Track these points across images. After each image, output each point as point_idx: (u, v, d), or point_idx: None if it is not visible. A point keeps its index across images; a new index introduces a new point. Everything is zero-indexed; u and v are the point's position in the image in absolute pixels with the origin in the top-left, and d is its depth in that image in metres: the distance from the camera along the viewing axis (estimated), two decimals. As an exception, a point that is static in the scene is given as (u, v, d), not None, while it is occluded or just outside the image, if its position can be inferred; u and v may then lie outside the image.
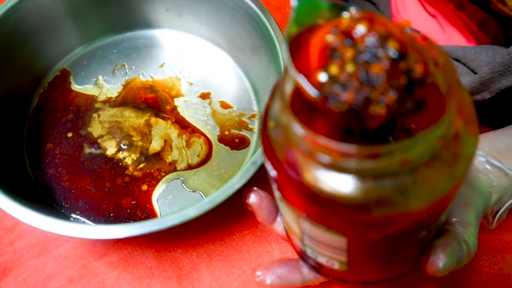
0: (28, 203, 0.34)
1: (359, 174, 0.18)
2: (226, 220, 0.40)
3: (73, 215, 0.40)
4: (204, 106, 0.45)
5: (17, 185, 0.39)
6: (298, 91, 0.22)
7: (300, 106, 0.21)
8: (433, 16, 0.42)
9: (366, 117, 0.18)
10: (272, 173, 0.22)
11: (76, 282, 0.38)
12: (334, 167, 0.18)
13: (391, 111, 0.18)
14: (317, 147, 0.18)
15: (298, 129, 0.18)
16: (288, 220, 0.25)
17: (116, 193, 0.41)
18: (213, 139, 0.43)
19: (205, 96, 0.46)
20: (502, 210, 0.31)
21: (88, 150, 0.43)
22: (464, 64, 0.35)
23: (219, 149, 0.43)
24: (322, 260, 0.25)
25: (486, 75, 0.31)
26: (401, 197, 0.18)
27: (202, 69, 0.47)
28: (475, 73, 0.35)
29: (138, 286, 0.38)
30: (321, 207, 0.19)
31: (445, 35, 0.40)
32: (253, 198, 0.29)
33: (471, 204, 0.28)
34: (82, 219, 0.40)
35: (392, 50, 0.18)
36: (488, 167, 0.30)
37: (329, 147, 0.18)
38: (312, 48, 0.19)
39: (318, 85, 0.18)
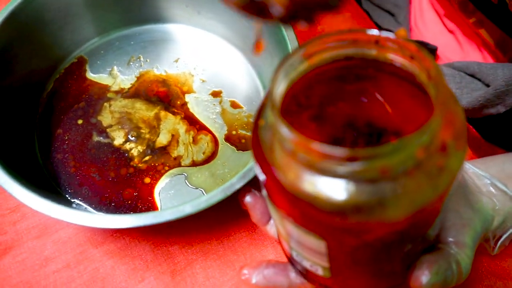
0: (32, 186, 0.35)
1: (337, 177, 0.18)
2: (225, 220, 0.40)
3: (76, 201, 0.40)
4: (214, 104, 0.45)
5: (24, 167, 0.40)
6: (290, 94, 0.22)
7: (293, 109, 0.21)
8: (451, 32, 0.41)
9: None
10: (261, 176, 0.22)
11: (72, 268, 0.39)
12: (313, 168, 0.18)
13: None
14: (298, 147, 0.18)
15: (282, 128, 0.18)
16: (276, 222, 0.25)
17: (119, 183, 0.41)
18: (220, 137, 0.43)
19: (216, 94, 0.46)
20: (504, 236, 0.30)
21: (96, 138, 0.44)
22: (479, 80, 0.34)
23: (225, 148, 0.43)
24: (306, 264, 0.25)
25: (501, 87, 0.31)
26: (378, 205, 0.18)
27: (216, 67, 0.47)
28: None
29: (132, 277, 0.38)
30: (300, 209, 0.19)
31: (463, 52, 0.40)
32: (248, 198, 0.29)
33: (469, 225, 0.27)
34: (84, 205, 0.40)
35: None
36: (492, 189, 0.29)
37: (308, 147, 0.17)
38: None
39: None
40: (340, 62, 0.23)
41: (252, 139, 0.23)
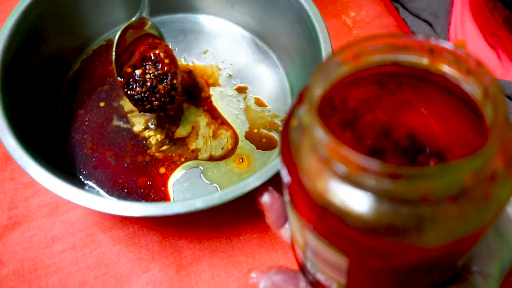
0: (47, 164, 0.34)
1: (374, 193, 0.16)
2: (237, 219, 0.38)
3: (89, 183, 0.39)
4: (238, 100, 0.44)
5: (41, 144, 0.39)
6: (328, 96, 0.20)
7: (328, 112, 0.20)
8: (493, 47, 0.39)
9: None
10: (286, 178, 0.20)
11: (78, 250, 0.38)
12: (349, 180, 0.16)
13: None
14: (335, 155, 0.16)
15: (319, 132, 0.16)
16: (294, 228, 0.23)
17: (134, 170, 0.40)
18: (241, 134, 0.42)
19: (241, 90, 0.44)
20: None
21: (116, 122, 0.43)
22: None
23: (244, 145, 0.41)
24: (320, 277, 0.23)
25: None
26: (414, 229, 0.16)
27: (244, 63, 0.45)
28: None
29: (136, 266, 0.37)
30: (327, 220, 0.18)
31: (503, 69, 0.37)
32: (266, 198, 0.27)
33: (496, 256, 0.25)
34: (97, 188, 0.39)
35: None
36: (526, 220, 0.26)
37: (345, 155, 0.16)
38: None
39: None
40: (386, 67, 0.21)
41: (281, 139, 0.21)
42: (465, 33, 0.42)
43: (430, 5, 0.47)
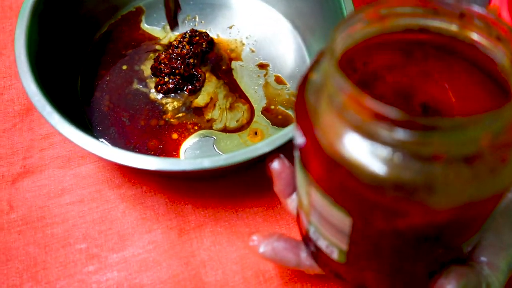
0: (65, 115, 0.34)
1: (384, 145, 0.15)
2: (244, 192, 0.37)
3: (102, 140, 0.39)
4: (258, 76, 0.43)
5: (62, 98, 0.39)
6: (349, 55, 0.19)
7: (346, 72, 0.19)
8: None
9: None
10: (299, 139, 0.19)
11: (85, 203, 0.38)
12: (360, 129, 0.16)
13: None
14: (349, 101, 0.15)
15: (337, 79, 0.16)
16: (301, 191, 0.22)
17: (147, 133, 0.39)
18: (257, 109, 0.41)
19: (263, 66, 0.43)
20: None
21: (136, 85, 0.42)
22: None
23: (260, 120, 0.40)
24: (322, 244, 0.22)
25: None
26: (423, 187, 0.15)
27: (268, 40, 0.45)
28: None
29: (140, 226, 0.36)
30: (333, 174, 0.17)
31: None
32: (276, 164, 0.27)
33: (507, 250, 0.24)
34: (109, 145, 0.39)
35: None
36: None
37: (361, 101, 0.15)
38: None
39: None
40: (412, 34, 0.20)
41: (297, 97, 0.20)
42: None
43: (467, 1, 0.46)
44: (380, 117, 0.15)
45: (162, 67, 0.41)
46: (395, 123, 0.15)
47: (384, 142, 0.15)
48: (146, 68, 0.43)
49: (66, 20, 0.41)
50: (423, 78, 0.20)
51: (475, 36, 0.18)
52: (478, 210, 0.17)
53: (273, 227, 0.36)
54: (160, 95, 0.42)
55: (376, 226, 0.18)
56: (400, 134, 0.15)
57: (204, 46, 0.43)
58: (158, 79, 0.42)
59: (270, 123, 0.40)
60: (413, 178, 0.15)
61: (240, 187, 0.37)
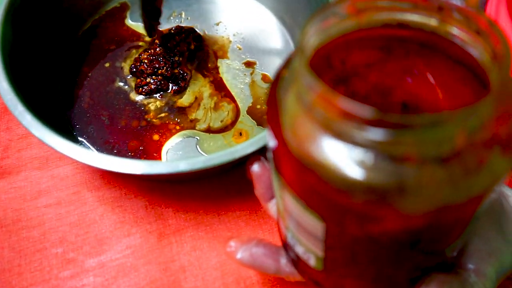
0: (43, 115, 0.33)
1: (353, 145, 0.15)
2: (226, 195, 0.37)
3: (80, 138, 0.39)
4: (245, 74, 0.42)
5: (40, 95, 0.38)
6: (322, 52, 0.19)
7: (318, 69, 0.18)
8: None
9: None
10: (271, 141, 0.19)
11: (62, 206, 0.37)
12: (328, 129, 0.15)
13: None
14: (318, 99, 0.15)
15: (304, 75, 0.15)
16: (276, 194, 0.21)
17: (127, 133, 0.39)
18: (243, 109, 0.40)
19: (249, 64, 0.43)
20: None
21: (118, 83, 0.42)
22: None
23: (245, 120, 0.40)
24: (299, 250, 0.22)
25: None
26: (395, 190, 0.14)
27: (255, 38, 0.44)
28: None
29: (118, 229, 0.36)
30: (303, 177, 0.16)
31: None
32: (255, 167, 0.26)
33: (496, 256, 0.23)
34: (88, 144, 0.38)
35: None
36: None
37: (328, 98, 0.14)
38: None
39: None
40: (391, 28, 0.19)
41: (269, 96, 0.20)
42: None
43: None
44: (348, 116, 0.14)
45: (143, 68, 0.40)
46: (363, 121, 0.14)
47: (353, 143, 0.15)
48: (128, 66, 0.43)
49: (47, 15, 0.41)
50: (403, 75, 0.19)
51: (454, 31, 0.18)
52: (456, 214, 0.17)
53: (256, 231, 0.35)
54: (141, 96, 0.41)
55: (350, 231, 0.17)
56: (369, 133, 0.14)
57: (191, 43, 0.43)
58: (138, 79, 0.41)
59: (256, 124, 0.39)
60: (385, 180, 0.15)
61: (223, 189, 0.37)
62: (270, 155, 0.20)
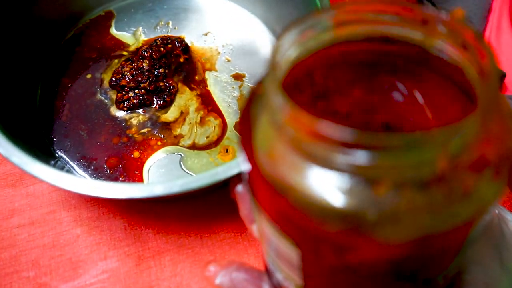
0: (14, 130, 0.32)
1: (324, 167, 0.14)
2: (210, 216, 0.36)
3: (58, 153, 0.38)
4: (233, 87, 0.41)
5: (16, 107, 0.37)
6: (298, 68, 0.18)
7: (293, 87, 0.17)
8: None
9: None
10: (244, 164, 0.18)
11: (36, 226, 0.36)
12: (297, 150, 0.14)
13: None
14: (287, 118, 0.14)
15: (273, 94, 0.14)
16: (256, 219, 0.20)
17: (106, 150, 0.38)
18: (230, 124, 0.39)
19: (238, 77, 0.42)
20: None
21: (98, 96, 0.41)
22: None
23: (232, 136, 0.39)
24: (279, 277, 0.21)
25: None
26: (370, 217, 0.13)
27: (245, 49, 0.43)
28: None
29: (95, 252, 0.35)
30: (274, 202, 0.15)
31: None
32: (240, 188, 0.25)
33: (493, 285, 0.22)
34: (65, 159, 0.37)
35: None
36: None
37: (297, 118, 0.13)
38: None
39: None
40: (374, 42, 0.18)
41: (242, 115, 0.19)
42: (500, 43, 0.39)
43: (465, 8, 0.44)
44: (321, 137, 0.13)
45: (125, 83, 0.39)
46: (337, 142, 0.13)
47: (327, 166, 0.14)
48: (109, 78, 0.42)
49: (24, 24, 0.40)
50: (387, 92, 0.19)
51: (440, 45, 0.17)
52: (442, 243, 0.16)
53: (241, 255, 0.34)
54: (123, 112, 0.40)
55: (327, 260, 0.16)
56: (343, 155, 0.13)
57: (180, 55, 0.42)
58: (119, 94, 0.39)
59: (243, 139, 0.39)
60: (360, 207, 0.14)
61: (206, 210, 0.36)
62: (245, 177, 0.20)
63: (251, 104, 0.18)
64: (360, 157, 0.13)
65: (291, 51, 0.17)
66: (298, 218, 0.15)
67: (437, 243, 0.15)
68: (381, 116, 0.18)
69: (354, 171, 0.14)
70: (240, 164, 0.19)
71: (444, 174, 0.13)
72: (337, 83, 0.19)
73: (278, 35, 0.15)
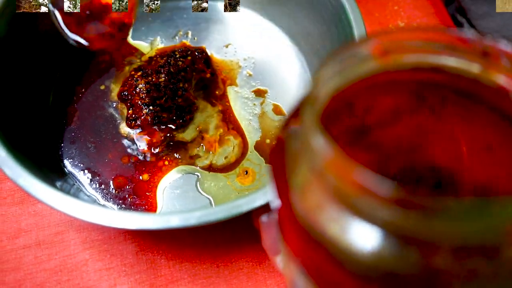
0: (21, 151, 0.32)
1: (375, 224, 0.13)
2: (228, 243, 0.35)
3: (65, 161, 0.37)
4: (254, 104, 0.41)
5: (28, 114, 0.37)
6: (339, 99, 0.17)
7: (335, 119, 0.16)
8: None
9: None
10: (275, 201, 0.17)
11: (42, 248, 0.35)
12: (344, 202, 0.13)
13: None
14: (331, 166, 0.13)
15: (315, 135, 0.13)
16: (285, 261, 0.20)
17: (114, 169, 0.37)
18: (250, 144, 0.39)
19: (260, 93, 0.41)
20: None
21: (110, 110, 0.41)
22: None
23: (252, 157, 0.38)
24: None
25: None
26: (424, 284, 0.12)
27: (268, 63, 0.43)
28: None
29: (103, 278, 0.34)
30: (316, 256, 0.14)
31: None
32: (264, 218, 0.24)
33: None
34: (73, 171, 0.37)
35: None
36: None
37: (344, 169, 0.13)
38: None
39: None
40: (423, 72, 0.17)
41: (275, 147, 0.18)
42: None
43: (505, 26, 0.43)
44: (368, 191, 0.12)
45: (138, 100, 0.37)
46: (386, 200, 0.12)
47: (374, 221, 0.13)
48: (115, 88, 0.41)
49: (41, 30, 0.40)
50: (435, 131, 0.18)
51: (502, 80, 0.16)
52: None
53: (260, 285, 0.33)
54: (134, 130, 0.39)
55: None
56: (391, 213, 0.12)
57: (205, 71, 0.40)
58: (131, 111, 0.37)
59: (264, 161, 0.38)
60: (410, 270, 0.13)
61: (223, 236, 0.35)
62: (272, 208, 0.19)
63: (285, 134, 0.18)
64: (413, 217, 0.12)
65: (332, 80, 0.17)
66: (337, 273, 0.14)
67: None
68: (429, 156, 0.17)
69: (405, 230, 0.13)
70: (269, 196, 0.18)
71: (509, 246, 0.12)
72: (381, 116, 0.18)
73: (316, 68, 0.14)
